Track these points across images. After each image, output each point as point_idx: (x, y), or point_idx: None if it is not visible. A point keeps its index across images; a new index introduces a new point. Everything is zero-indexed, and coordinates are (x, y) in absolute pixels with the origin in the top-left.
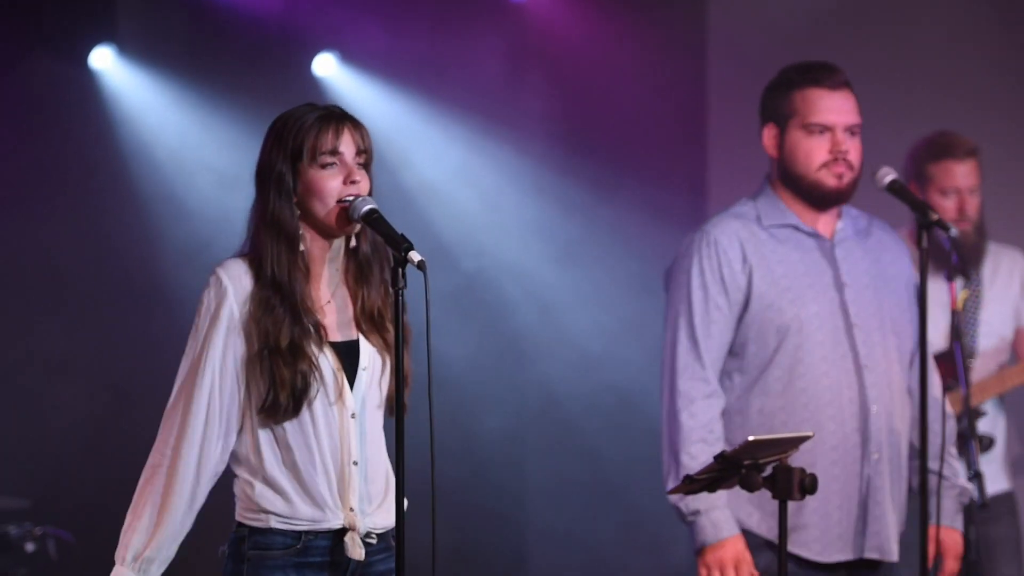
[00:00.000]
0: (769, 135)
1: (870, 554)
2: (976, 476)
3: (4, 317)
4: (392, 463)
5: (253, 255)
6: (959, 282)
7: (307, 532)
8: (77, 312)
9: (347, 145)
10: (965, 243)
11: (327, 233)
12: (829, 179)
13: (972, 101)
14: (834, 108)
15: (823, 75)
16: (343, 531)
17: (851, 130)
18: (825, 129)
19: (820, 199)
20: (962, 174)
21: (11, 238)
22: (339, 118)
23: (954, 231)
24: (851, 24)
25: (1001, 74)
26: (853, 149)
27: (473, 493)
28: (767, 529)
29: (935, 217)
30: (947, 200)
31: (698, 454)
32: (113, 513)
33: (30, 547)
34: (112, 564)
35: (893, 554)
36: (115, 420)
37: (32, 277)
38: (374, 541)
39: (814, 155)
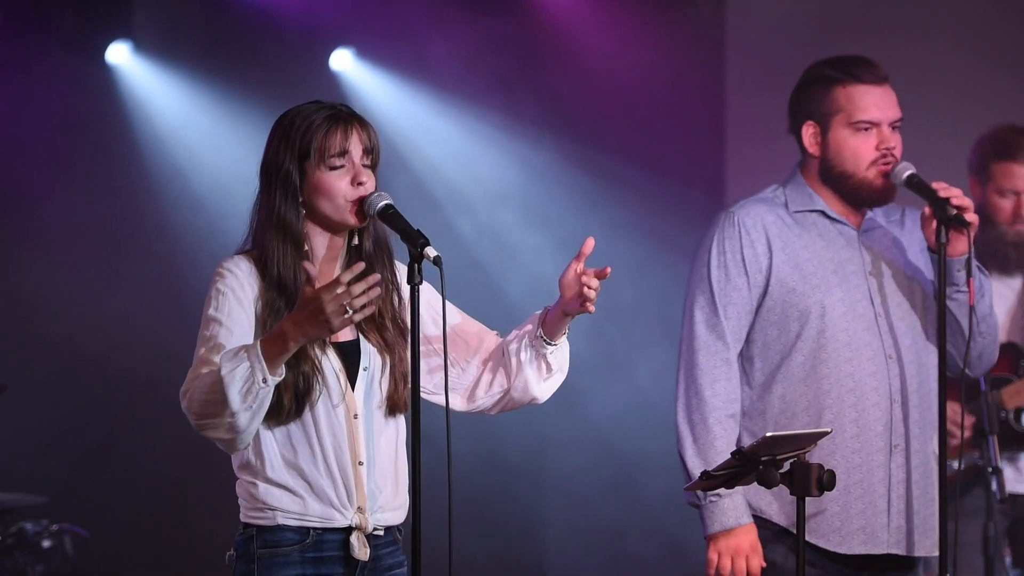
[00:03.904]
0: (809, 133)
1: (896, 549)
2: (995, 471)
3: (21, 316)
4: (408, 460)
5: (258, 254)
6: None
7: (316, 528)
8: (94, 310)
9: (355, 146)
10: (1019, 243)
11: (334, 229)
12: (878, 179)
13: (994, 100)
14: (880, 104)
15: (864, 70)
16: (351, 529)
17: (894, 125)
18: (872, 126)
19: (866, 199)
20: (1022, 176)
21: (28, 234)
22: (347, 118)
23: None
24: (869, 21)
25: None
26: (897, 144)
27: (491, 496)
28: (786, 518)
29: (953, 212)
30: (1004, 200)
31: (722, 432)
32: (128, 510)
33: (47, 543)
34: (127, 562)
35: (923, 549)
36: (131, 418)
37: (47, 273)
38: (381, 533)
39: (862, 153)
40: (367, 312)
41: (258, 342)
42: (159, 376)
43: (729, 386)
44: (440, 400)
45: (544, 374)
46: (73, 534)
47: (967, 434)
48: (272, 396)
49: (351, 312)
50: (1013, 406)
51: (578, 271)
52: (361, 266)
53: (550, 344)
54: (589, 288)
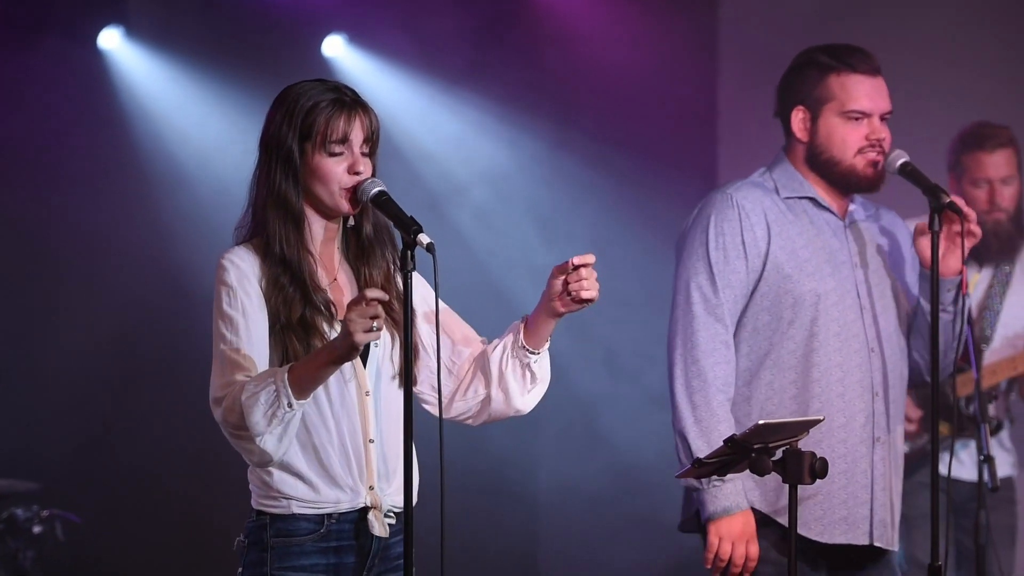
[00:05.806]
0: (799, 118)
1: (879, 542)
2: (987, 459)
3: (18, 301)
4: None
5: (257, 239)
6: (970, 266)
7: (330, 515)
8: (86, 295)
9: (356, 133)
10: (998, 232)
11: (327, 214)
12: (866, 168)
13: (986, 94)
14: (873, 95)
15: (860, 60)
16: (365, 511)
17: (884, 117)
18: (863, 116)
19: (853, 186)
20: (992, 165)
21: (20, 221)
22: (351, 104)
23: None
24: (861, 11)
25: (1020, 59)
26: (886, 136)
27: (482, 483)
28: (767, 506)
29: (947, 200)
30: (979, 190)
31: (724, 416)
32: (120, 496)
33: (37, 529)
34: (118, 548)
35: (893, 543)
36: (124, 404)
37: (42, 261)
38: (393, 520)
39: (850, 141)
40: (379, 332)
41: (286, 367)
42: (151, 363)
43: (728, 368)
44: (431, 408)
45: (528, 384)
46: (64, 520)
47: (915, 428)
48: None
49: (375, 327)
50: (963, 394)
51: (567, 274)
52: (381, 294)
53: (533, 353)
54: (582, 281)
